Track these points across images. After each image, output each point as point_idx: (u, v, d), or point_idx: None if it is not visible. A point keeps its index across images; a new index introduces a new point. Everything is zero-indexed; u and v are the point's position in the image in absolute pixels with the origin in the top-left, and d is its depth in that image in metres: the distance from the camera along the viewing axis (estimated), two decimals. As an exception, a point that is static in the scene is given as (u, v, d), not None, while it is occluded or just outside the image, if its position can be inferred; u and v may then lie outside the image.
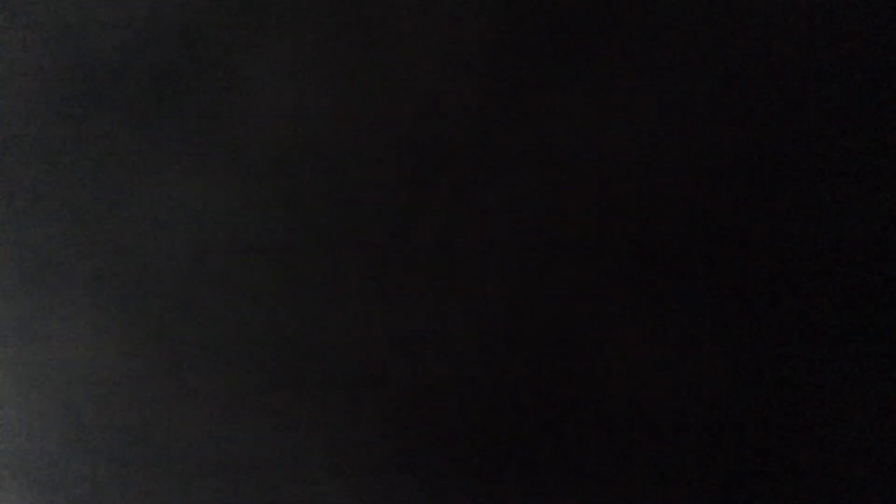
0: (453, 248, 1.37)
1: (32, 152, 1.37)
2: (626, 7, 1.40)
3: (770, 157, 1.41)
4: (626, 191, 1.37)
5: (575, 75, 1.38)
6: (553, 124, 1.38)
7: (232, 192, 1.37)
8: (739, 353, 1.38)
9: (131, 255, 1.37)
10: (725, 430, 1.38)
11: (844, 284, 1.39)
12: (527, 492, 1.37)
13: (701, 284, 1.38)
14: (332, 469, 1.38)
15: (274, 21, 1.38)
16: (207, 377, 1.38)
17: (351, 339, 1.38)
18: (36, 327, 1.37)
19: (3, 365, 1.36)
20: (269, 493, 1.37)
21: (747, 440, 1.38)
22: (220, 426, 1.38)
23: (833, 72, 1.41)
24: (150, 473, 1.37)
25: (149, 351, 1.37)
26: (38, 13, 1.35)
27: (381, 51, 1.36)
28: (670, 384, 1.38)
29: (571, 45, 1.40)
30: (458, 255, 1.37)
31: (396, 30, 1.37)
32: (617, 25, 1.40)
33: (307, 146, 1.37)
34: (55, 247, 1.37)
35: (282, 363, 1.39)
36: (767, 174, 1.40)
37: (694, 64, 1.41)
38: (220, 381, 1.37)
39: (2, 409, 1.36)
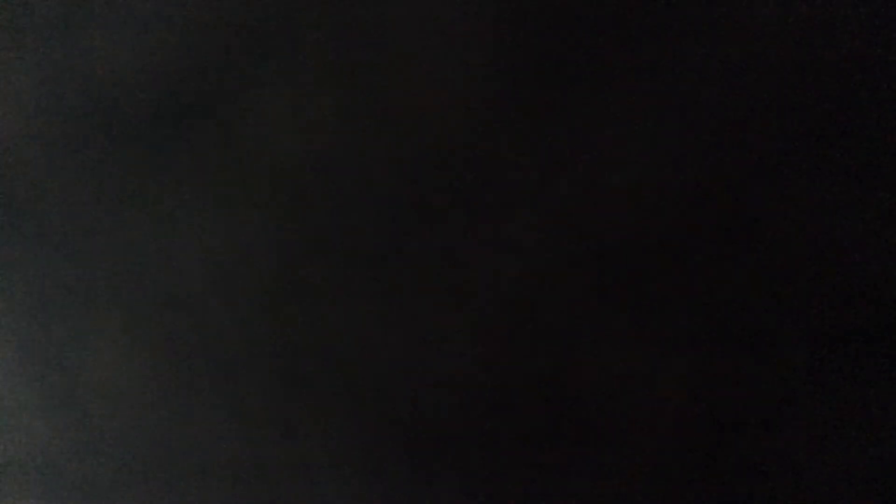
0: (453, 259, 1.40)
1: (57, 188, 1.40)
2: (631, 30, 1.41)
3: (746, 186, 1.42)
4: (617, 213, 1.40)
5: (578, 92, 1.41)
6: (554, 141, 1.40)
7: (240, 213, 1.41)
8: (716, 363, 1.41)
9: (147, 273, 1.40)
10: (706, 433, 1.40)
11: (814, 297, 1.41)
12: (521, 491, 1.39)
13: (682, 300, 1.40)
14: (335, 470, 1.39)
15: (280, 49, 1.41)
16: (217, 385, 1.40)
17: (353, 347, 1.40)
18: (62, 346, 1.40)
19: (29, 380, 1.38)
20: (274, 493, 1.39)
21: (726, 443, 1.40)
22: (228, 431, 1.39)
23: (819, 102, 1.42)
24: (165, 476, 1.40)
25: (164, 361, 1.39)
26: (53, 53, 1.38)
27: (385, 73, 1.39)
28: (654, 391, 1.40)
29: (575, 65, 1.42)
30: (457, 266, 1.40)
31: (400, 53, 1.40)
32: (621, 46, 1.41)
33: (311, 167, 1.41)
34: (77, 268, 1.40)
35: (287, 372, 1.40)
36: (744, 199, 1.42)
37: (689, 87, 1.42)
38: (229, 389, 1.40)
39: (27, 421, 1.38)
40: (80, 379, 1.39)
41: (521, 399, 1.40)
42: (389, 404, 1.41)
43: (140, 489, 1.40)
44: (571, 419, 1.40)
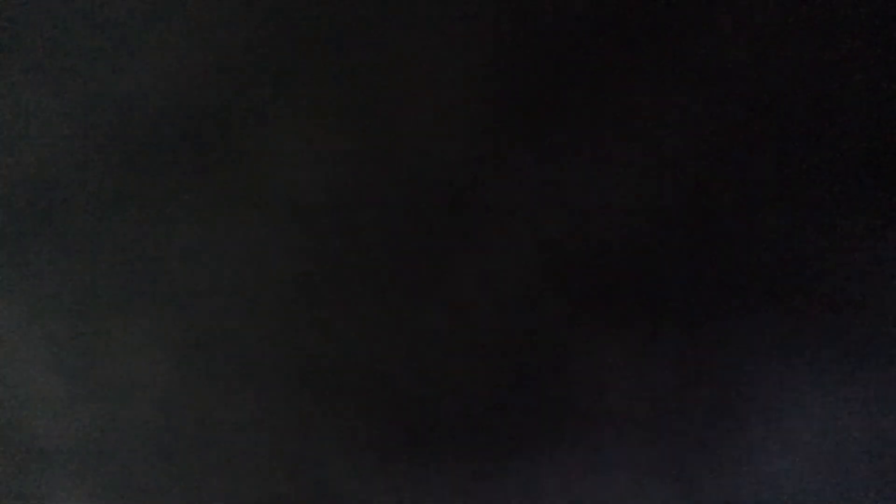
0: (452, 276, 1.44)
1: (84, 205, 1.44)
2: (625, 63, 1.42)
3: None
4: (606, 218, 1.44)
5: (567, 132, 1.44)
6: (545, 175, 1.44)
7: (258, 231, 1.45)
8: (690, 367, 1.44)
9: (177, 285, 1.45)
10: (680, 431, 1.43)
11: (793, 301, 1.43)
12: (510, 482, 1.45)
13: (659, 309, 1.43)
14: (346, 464, 1.45)
15: (295, 84, 1.44)
16: (237, 382, 1.45)
17: (360, 353, 1.46)
18: (98, 344, 1.45)
19: (68, 375, 1.44)
20: (288, 484, 1.45)
21: (699, 440, 1.44)
22: (250, 426, 1.45)
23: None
24: (188, 467, 1.46)
25: (187, 358, 1.45)
26: (81, 86, 1.41)
27: (392, 104, 1.43)
28: (633, 390, 1.44)
29: (569, 104, 1.44)
30: (456, 282, 1.44)
31: (408, 85, 1.43)
32: (615, 78, 1.42)
33: (323, 191, 1.45)
34: (104, 274, 1.45)
35: (302, 372, 1.46)
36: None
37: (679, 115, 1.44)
38: (249, 385, 1.45)
39: (60, 415, 1.44)
40: (109, 375, 1.44)
41: (504, 402, 1.45)
42: (392, 400, 1.46)
43: (165, 480, 1.45)
44: (550, 418, 1.44)
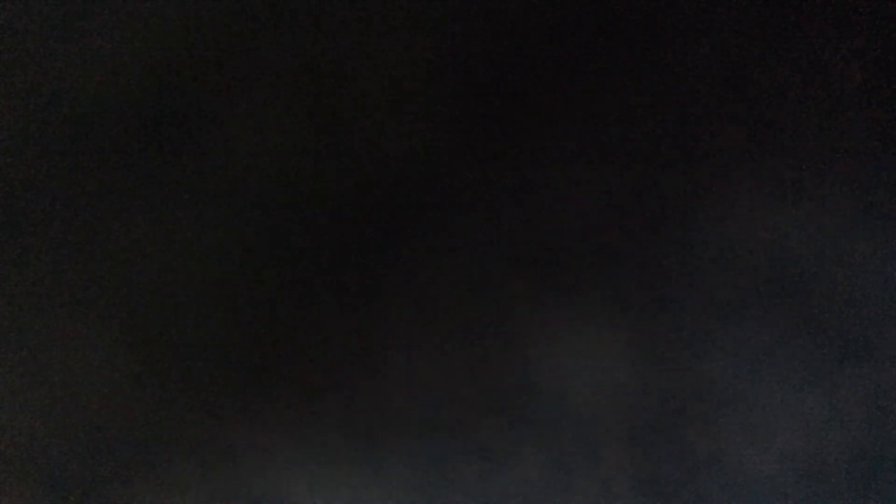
0: (415, 269, 1.42)
1: (50, 193, 1.43)
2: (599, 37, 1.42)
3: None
4: (570, 210, 1.42)
5: (531, 100, 1.43)
6: (515, 166, 1.43)
7: (214, 217, 1.43)
8: (658, 362, 1.40)
9: (129, 273, 1.43)
10: (642, 425, 1.39)
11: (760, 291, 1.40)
12: (472, 476, 1.39)
13: (621, 298, 1.40)
14: (298, 462, 1.41)
15: (251, 70, 1.44)
16: (208, 382, 1.42)
17: (318, 349, 1.42)
18: (44, 336, 1.43)
19: (8, 369, 1.42)
20: (242, 483, 1.40)
21: (665, 434, 1.39)
22: (222, 426, 1.41)
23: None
24: (157, 468, 1.42)
25: (141, 355, 1.42)
26: (49, 62, 1.42)
27: (351, 92, 1.42)
28: (593, 384, 1.40)
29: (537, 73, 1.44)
30: (418, 275, 1.42)
31: (364, 75, 1.43)
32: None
33: (281, 177, 1.44)
34: (63, 268, 1.43)
35: (257, 366, 1.42)
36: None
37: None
38: (220, 386, 1.42)
39: (26, 419, 1.41)
40: (75, 377, 1.41)
41: (465, 394, 1.41)
42: (345, 398, 1.41)
43: (133, 483, 1.41)
44: (512, 412, 1.40)
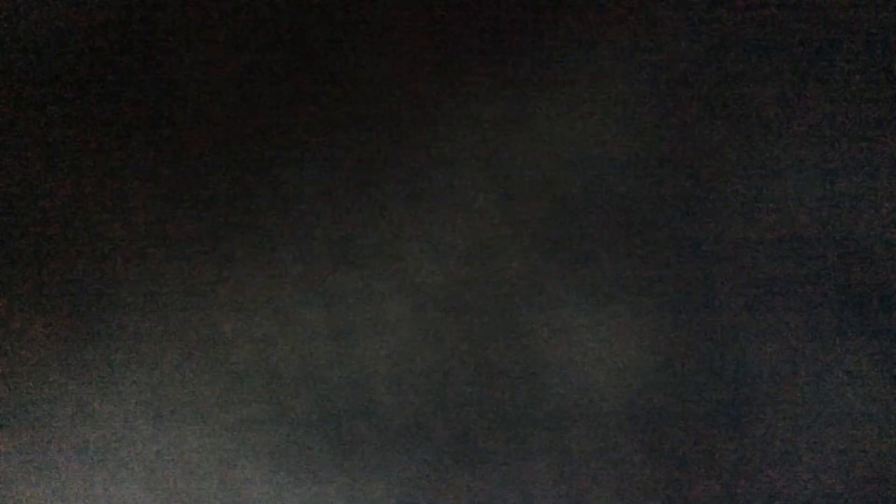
0: (399, 246, 1.35)
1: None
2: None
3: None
4: (571, 196, 1.36)
5: (530, 55, 1.39)
6: (503, 105, 1.38)
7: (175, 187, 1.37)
8: (670, 347, 1.32)
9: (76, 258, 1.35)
10: (660, 417, 1.30)
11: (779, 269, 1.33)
12: (470, 478, 1.30)
13: (634, 284, 1.33)
14: (257, 467, 1.30)
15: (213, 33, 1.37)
16: (157, 386, 1.32)
17: (288, 336, 1.32)
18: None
19: None
20: (200, 489, 1.30)
21: (681, 427, 1.30)
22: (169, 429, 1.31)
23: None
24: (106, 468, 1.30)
25: (86, 350, 1.33)
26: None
27: (322, 50, 1.39)
28: (607, 375, 1.31)
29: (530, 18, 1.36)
30: (403, 253, 1.34)
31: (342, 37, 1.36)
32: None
33: (247, 141, 1.38)
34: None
35: (226, 370, 1.33)
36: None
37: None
38: (171, 388, 1.33)
39: None
40: (76, 379, 1.33)
41: (463, 390, 1.31)
42: (326, 398, 1.31)
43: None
44: (515, 408, 1.31)
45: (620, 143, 1.35)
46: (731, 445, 1.28)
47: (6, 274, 1.34)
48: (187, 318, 1.32)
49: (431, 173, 1.35)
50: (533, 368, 1.30)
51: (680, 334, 1.30)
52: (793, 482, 1.27)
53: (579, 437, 1.29)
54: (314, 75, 1.37)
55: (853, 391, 1.29)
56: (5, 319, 1.33)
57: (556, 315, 1.31)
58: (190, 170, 1.36)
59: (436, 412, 1.30)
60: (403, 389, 1.30)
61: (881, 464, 1.28)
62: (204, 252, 1.34)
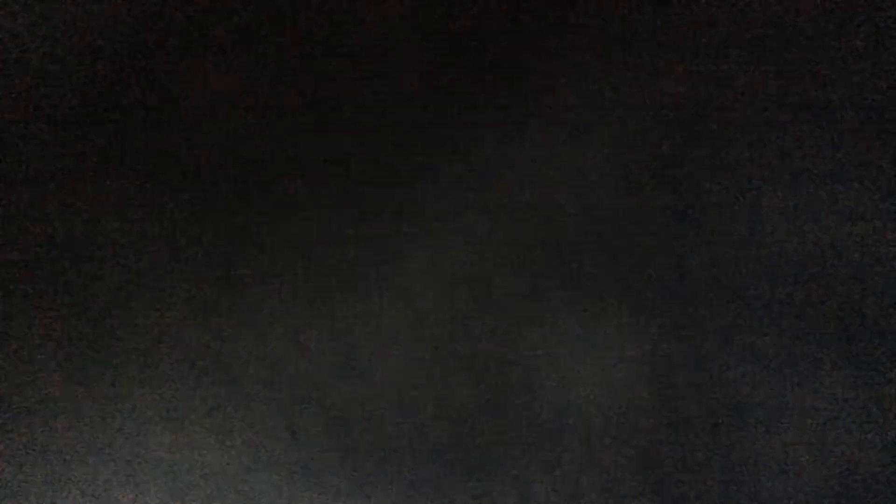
0: (396, 267, 1.37)
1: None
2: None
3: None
4: (563, 219, 1.37)
5: (526, 80, 1.39)
6: (501, 127, 1.38)
7: (172, 208, 1.38)
8: (659, 364, 1.35)
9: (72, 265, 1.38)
10: (649, 432, 1.34)
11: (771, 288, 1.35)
12: (471, 487, 1.34)
13: (627, 304, 1.35)
14: (270, 481, 1.35)
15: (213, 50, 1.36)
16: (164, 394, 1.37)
17: (290, 359, 1.36)
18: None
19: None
20: (218, 498, 1.35)
21: (669, 441, 1.34)
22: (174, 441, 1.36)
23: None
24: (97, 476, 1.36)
25: (92, 362, 1.37)
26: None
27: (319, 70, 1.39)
28: (599, 391, 1.35)
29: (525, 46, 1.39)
30: (404, 275, 1.36)
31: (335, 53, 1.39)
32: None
33: (239, 160, 1.39)
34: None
35: (227, 377, 1.36)
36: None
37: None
38: (176, 385, 1.37)
39: None
40: (76, 380, 1.36)
41: (460, 410, 1.35)
42: (326, 417, 1.35)
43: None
44: (510, 426, 1.34)
45: (610, 165, 1.36)
46: (717, 461, 1.33)
47: (18, 296, 1.37)
48: (200, 337, 1.35)
49: (430, 197, 1.37)
50: (529, 384, 1.34)
51: (668, 351, 1.33)
52: (775, 497, 1.32)
53: (572, 450, 1.33)
54: (317, 106, 1.38)
55: (832, 412, 1.33)
56: (21, 344, 1.36)
57: (550, 333, 1.34)
58: (199, 193, 1.37)
59: (438, 425, 1.34)
60: (406, 404, 1.34)
61: (857, 483, 1.32)
62: (216, 276, 1.37)
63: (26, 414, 1.35)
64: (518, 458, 1.33)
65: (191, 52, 1.38)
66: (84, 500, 1.34)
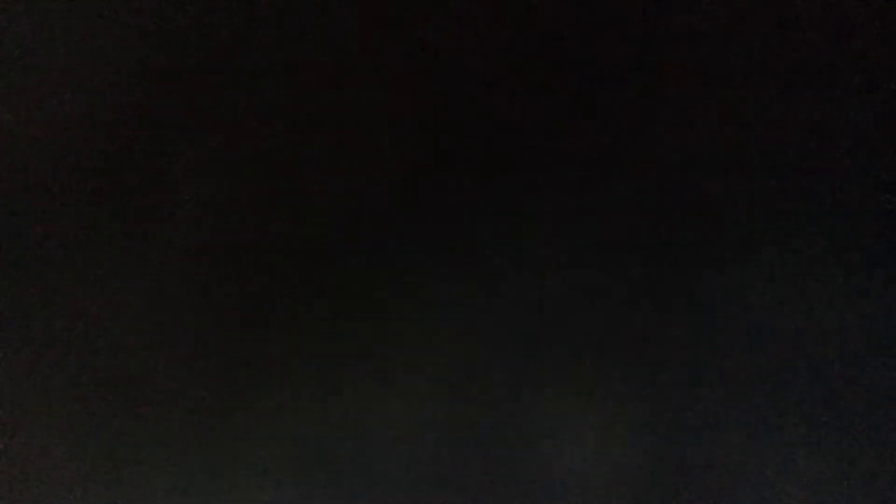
0: (399, 361, 1.40)
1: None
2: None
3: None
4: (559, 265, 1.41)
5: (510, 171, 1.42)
6: (515, 225, 1.41)
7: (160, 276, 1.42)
8: (652, 439, 1.38)
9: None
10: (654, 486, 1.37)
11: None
12: None
13: (624, 377, 1.39)
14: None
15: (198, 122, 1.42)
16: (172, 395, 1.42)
17: (297, 407, 1.40)
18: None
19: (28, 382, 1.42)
20: (234, 493, 1.40)
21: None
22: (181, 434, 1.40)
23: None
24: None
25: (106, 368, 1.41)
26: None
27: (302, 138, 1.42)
28: (600, 461, 1.38)
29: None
30: (403, 362, 1.40)
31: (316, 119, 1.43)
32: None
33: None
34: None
35: (233, 435, 1.41)
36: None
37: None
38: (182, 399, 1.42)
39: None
40: (77, 381, 1.41)
41: (465, 484, 1.38)
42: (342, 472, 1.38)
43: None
44: (516, 481, 1.38)
45: (599, 247, 1.39)
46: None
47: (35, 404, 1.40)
48: (214, 427, 1.39)
49: (425, 291, 1.40)
50: (527, 463, 1.37)
51: (660, 426, 1.36)
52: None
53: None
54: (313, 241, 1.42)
55: (825, 483, 1.36)
56: (36, 457, 1.40)
57: (544, 415, 1.37)
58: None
59: (433, 492, 1.37)
60: (413, 477, 1.37)
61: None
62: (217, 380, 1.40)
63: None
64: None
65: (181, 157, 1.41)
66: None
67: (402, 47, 1.41)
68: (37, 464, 1.39)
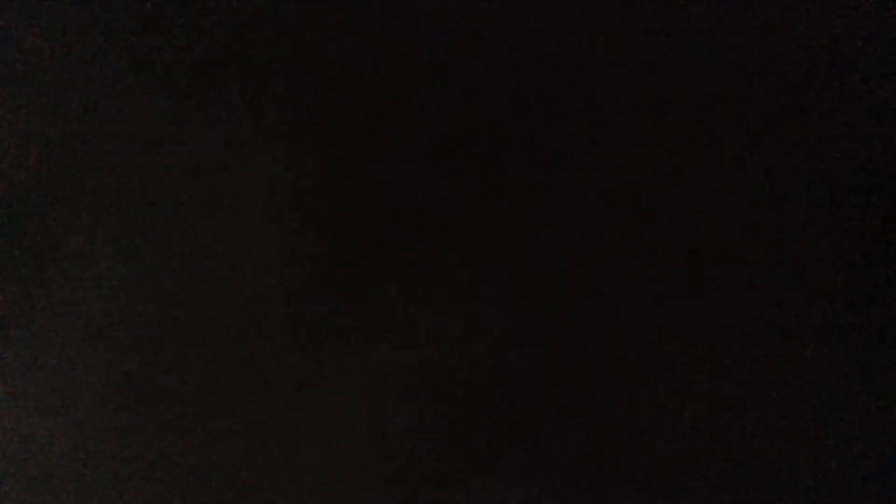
0: (396, 346, 1.40)
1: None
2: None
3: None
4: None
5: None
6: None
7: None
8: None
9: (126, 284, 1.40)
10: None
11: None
12: None
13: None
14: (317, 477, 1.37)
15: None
16: (203, 392, 1.42)
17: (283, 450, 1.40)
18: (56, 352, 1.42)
19: (29, 383, 1.42)
20: (264, 494, 1.40)
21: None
22: (216, 435, 1.41)
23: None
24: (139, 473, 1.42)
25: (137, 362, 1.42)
26: None
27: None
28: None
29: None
30: (398, 350, 1.41)
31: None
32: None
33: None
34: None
35: (267, 383, 1.41)
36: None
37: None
38: (214, 395, 1.42)
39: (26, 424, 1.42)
40: (76, 381, 1.41)
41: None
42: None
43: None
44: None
45: (599, 247, 1.40)
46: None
47: None
48: (214, 427, 1.40)
49: (425, 291, 1.40)
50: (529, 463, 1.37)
51: (661, 426, 1.36)
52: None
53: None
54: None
55: (818, 496, 1.36)
56: None
57: (545, 417, 1.37)
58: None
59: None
60: (413, 477, 1.37)
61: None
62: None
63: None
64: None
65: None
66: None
67: (401, 47, 1.42)
68: (37, 464, 1.39)
